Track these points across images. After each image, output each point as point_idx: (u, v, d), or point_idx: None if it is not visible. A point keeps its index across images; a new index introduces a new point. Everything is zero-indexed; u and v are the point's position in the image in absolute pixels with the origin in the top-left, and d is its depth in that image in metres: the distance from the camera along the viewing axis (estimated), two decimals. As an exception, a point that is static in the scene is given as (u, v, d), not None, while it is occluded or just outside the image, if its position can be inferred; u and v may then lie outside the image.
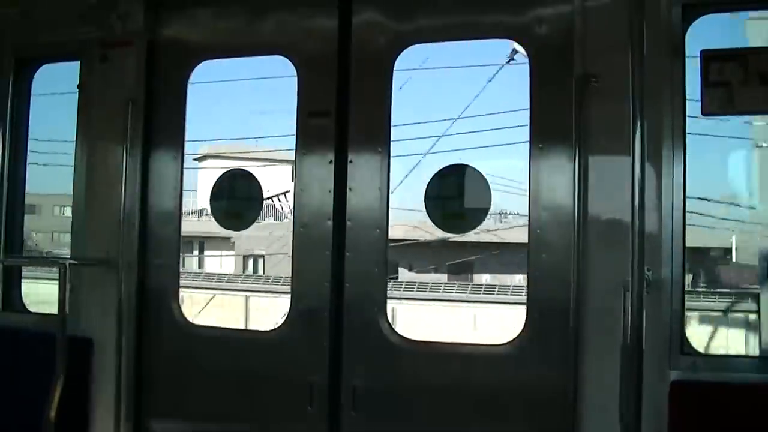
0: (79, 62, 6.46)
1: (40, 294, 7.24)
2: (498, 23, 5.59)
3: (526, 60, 5.38)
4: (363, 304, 5.65)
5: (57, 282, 5.97)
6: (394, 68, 5.66)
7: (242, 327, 24.02)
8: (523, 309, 5.37)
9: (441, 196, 5.70)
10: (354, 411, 5.63)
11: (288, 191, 30.70)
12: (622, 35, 4.82)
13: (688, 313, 5.10)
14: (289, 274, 5.87)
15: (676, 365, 4.86)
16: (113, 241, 6.03)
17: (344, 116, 5.70)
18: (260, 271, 31.34)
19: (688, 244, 5.03)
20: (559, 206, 5.16)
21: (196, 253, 33.93)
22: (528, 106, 5.33)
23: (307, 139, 5.82)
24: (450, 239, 23.19)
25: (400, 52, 5.67)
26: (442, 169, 5.68)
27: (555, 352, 5.12)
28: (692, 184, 5.03)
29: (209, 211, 6.95)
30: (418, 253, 26.51)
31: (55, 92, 7.07)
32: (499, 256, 26.27)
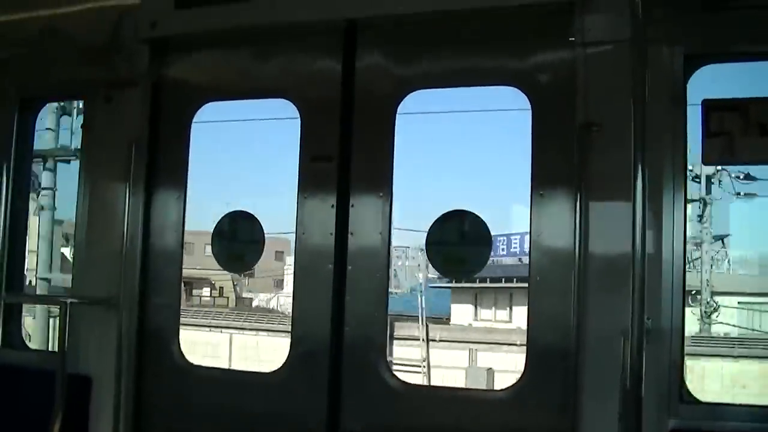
0: (83, 102, 6.51)
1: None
2: (500, 70, 5.63)
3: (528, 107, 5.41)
4: (363, 348, 5.64)
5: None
6: (397, 113, 5.70)
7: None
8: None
9: (442, 242, 5.72)
10: None
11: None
12: (624, 83, 4.87)
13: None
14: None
15: (675, 413, 4.85)
16: (114, 280, 6.04)
17: (347, 160, 5.73)
18: None
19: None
20: (560, 252, 5.16)
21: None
22: (530, 153, 5.35)
23: (309, 182, 5.84)
24: None
25: (404, 97, 5.71)
26: (443, 215, 5.70)
27: (555, 398, 5.11)
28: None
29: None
30: None
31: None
32: None
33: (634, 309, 4.67)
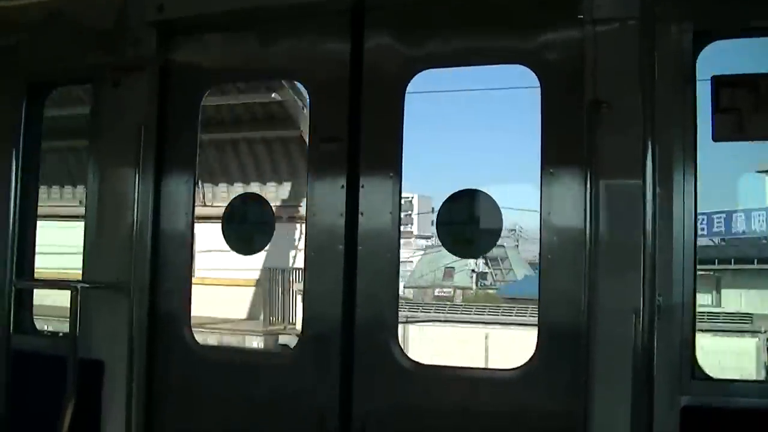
0: (91, 87, 6.50)
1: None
2: (509, 49, 5.61)
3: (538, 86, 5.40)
4: (374, 329, 5.65)
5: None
6: (406, 93, 5.69)
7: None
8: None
9: (452, 221, 5.71)
10: None
11: None
12: (633, 61, 4.86)
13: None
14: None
15: (687, 390, 4.85)
16: (125, 264, 6.04)
17: (356, 141, 5.73)
18: None
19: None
20: (571, 232, 5.16)
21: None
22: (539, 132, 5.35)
23: (319, 164, 5.84)
24: None
25: (412, 77, 5.70)
26: (453, 194, 5.70)
27: (566, 378, 5.12)
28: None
29: None
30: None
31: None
32: None
33: (645, 287, 4.67)
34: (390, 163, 5.70)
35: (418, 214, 44.32)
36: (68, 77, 6.79)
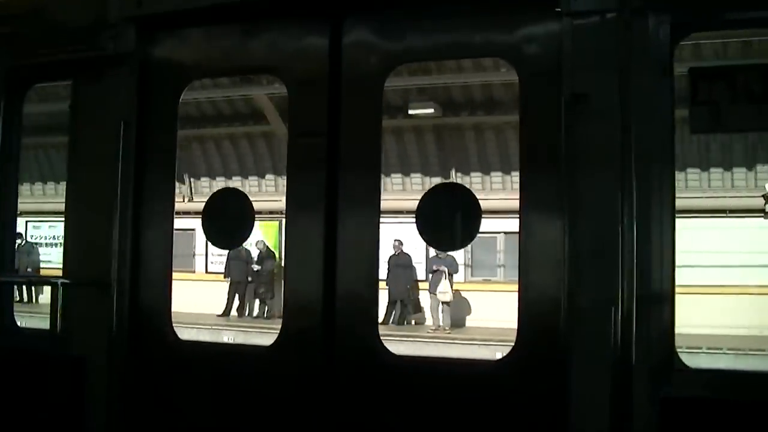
0: (71, 82, 6.48)
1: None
2: (487, 43, 5.62)
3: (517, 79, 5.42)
4: (355, 321, 5.66)
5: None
6: (385, 88, 5.69)
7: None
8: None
9: (432, 214, 5.71)
10: None
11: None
12: (610, 53, 4.88)
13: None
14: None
15: (666, 382, 4.87)
16: (106, 261, 6.03)
17: (335, 135, 5.73)
18: None
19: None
20: (550, 224, 5.18)
21: None
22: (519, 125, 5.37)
23: (298, 159, 5.84)
24: None
25: (391, 71, 5.71)
26: (433, 188, 5.72)
27: (546, 369, 5.14)
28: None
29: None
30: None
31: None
32: None
33: (623, 278, 4.70)
34: (369, 156, 5.71)
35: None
36: (48, 72, 6.76)
